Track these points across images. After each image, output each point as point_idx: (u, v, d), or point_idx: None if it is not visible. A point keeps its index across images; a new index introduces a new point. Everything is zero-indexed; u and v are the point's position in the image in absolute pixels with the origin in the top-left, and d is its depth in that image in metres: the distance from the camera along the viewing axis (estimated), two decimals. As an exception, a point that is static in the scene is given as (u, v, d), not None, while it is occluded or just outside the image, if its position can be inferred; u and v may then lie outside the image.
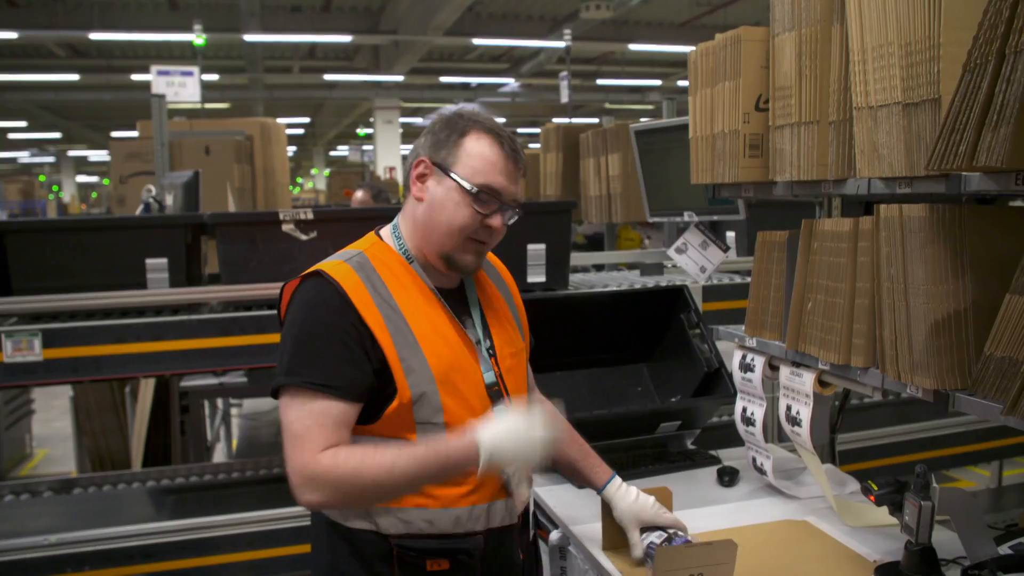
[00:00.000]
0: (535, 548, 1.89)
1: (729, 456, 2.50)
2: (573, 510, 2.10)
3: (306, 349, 1.50)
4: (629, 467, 2.39)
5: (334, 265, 1.56)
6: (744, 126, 1.98)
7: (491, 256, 1.84)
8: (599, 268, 4.84)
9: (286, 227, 2.78)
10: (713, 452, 2.52)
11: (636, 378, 2.78)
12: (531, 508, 1.84)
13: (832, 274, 1.80)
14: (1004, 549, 1.53)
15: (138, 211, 3.37)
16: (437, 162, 1.58)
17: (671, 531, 1.77)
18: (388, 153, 19.94)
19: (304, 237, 2.80)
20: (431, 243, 1.60)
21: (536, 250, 2.99)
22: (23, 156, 26.74)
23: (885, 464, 3.12)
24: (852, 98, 1.68)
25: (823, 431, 2.45)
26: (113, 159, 4.73)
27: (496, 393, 1.64)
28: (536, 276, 3.01)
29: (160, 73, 5.93)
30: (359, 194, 4.72)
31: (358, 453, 1.47)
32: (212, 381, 3.93)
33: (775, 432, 2.66)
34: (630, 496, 1.80)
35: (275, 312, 2.72)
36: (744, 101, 1.98)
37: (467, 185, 1.55)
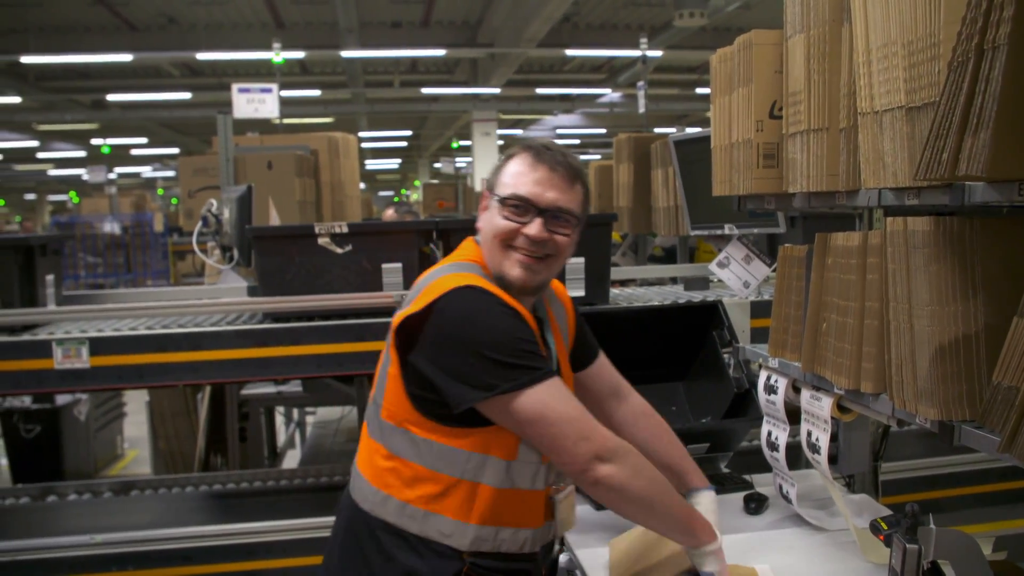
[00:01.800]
0: (555, 566, 1.89)
1: (764, 481, 2.36)
2: (583, 533, 2.04)
3: (516, 345, 1.50)
4: (653, 490, 2.29)
5: (474, 279, 1.56)
6: (757, 135, 1.87)
7: (557, 286, 1.90)
8: (674, 281, 4.73)
9: (321, 240, 2.81)
10: (748, 477, 2.39)
11: (672, 397, 2.67)
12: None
13: (843, 292, 1.68)
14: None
15: (198, 225, 3.48)
16: (489, 189, 1.65)
17: None
18: (486, 165, 20.09)
19: (339, 250, 2.82)
20: (489, 266, 1.62)
21: (575, 264, 2.92)
22: (146, 171, 28.27)
23: (941, 496, 2.87)
24: (858, 103, 1.56)
25: (863, 458, 2.29)
26: (181, 174, 4.93)
27: None
28: (575, 290, 2.93)
29: (241, 91, 6.14)
30: (389, 212, 4.81)
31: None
32: (271, 390, 4.03)
33: (812, 458, 2.50)
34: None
35: (309, 323, 2.79)
36: (757, 108, 1.87)
37: (498, 194, 1.61)
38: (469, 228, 3.12)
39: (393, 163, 32.15)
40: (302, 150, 4.72)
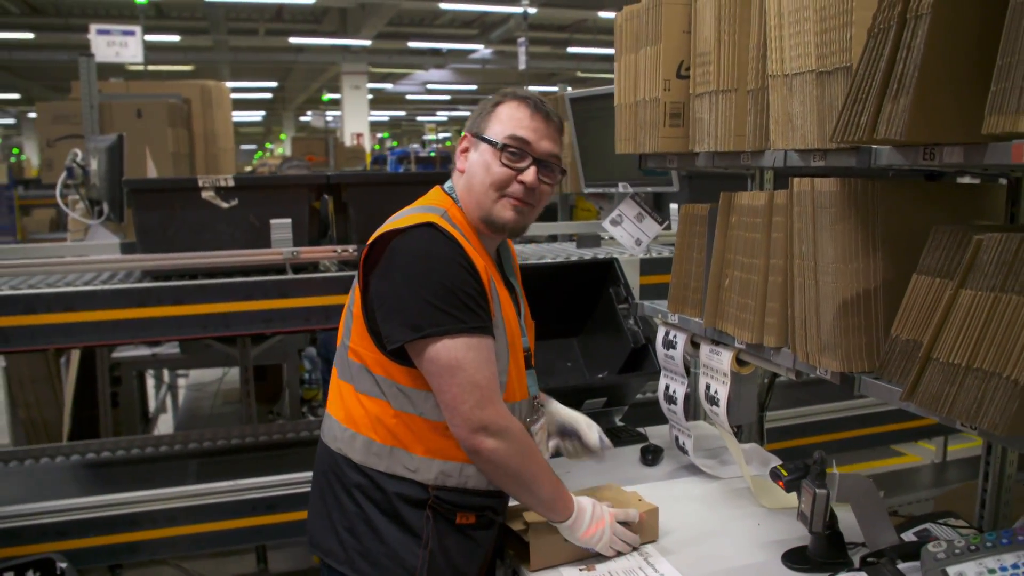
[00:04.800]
0: None
1: (657, 434, 2.44)
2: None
3: (456, 293, 1.51)
4: (553, 445, 2.33)
5: (435, 219, 1.55)
6: (665, 94, 1.90)
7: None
8: (553, 239, 4.78)
9: (205, 194, 2.67)
10: (641, 429, 2.47)
11: (567, 352, 2.71)
12: None
13: (748, 250, 1.74)
14: (909, 535, 1.48)
15: (61, 177, 3.23)
16: (473, 132, 1.67)
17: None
18: (355, 119, 19.64)
19: (225, 205, 2.69)
20: (472, 207, 1.64)
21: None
22: (-20, 117, 26.01)
23: (816, 442, 3.07)
24: (768, 65, 1.60)
25: (751, 409, 2.40)
26: (39, 122, 4.54)
27: (528, 358, 1.74)
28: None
29: (100, 32, 5.65)
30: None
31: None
32: (145, 352, 3.83)
33: (702, 409, 2.60)
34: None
35: (193, 282, 2.66)
36: (665, 67, 1.89)
37: (494, 140, 1.62)
38: (364, 182, 3.05)
39: (257, 115, 30.88)
40: (174, 98, 4.44)
